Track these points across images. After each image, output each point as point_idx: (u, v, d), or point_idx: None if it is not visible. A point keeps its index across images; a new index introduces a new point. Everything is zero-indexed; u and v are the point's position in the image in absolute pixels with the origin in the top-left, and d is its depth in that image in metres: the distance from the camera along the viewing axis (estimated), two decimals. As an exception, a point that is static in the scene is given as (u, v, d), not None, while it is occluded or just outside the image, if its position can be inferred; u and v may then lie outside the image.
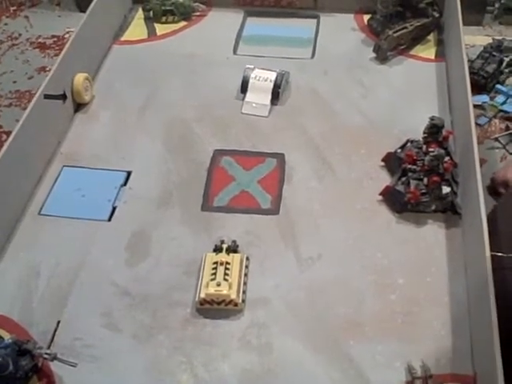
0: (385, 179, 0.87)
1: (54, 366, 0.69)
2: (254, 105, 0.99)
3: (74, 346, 0.71)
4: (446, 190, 0.80)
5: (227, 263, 0.75)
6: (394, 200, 0.84)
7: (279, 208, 0.85)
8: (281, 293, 0.75)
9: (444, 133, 0.82)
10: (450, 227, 0.81)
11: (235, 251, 0.78)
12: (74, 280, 0.78)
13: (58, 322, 0.74)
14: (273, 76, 1.00)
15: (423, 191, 0.81)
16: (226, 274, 0.74)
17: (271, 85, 0.99)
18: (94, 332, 0.73)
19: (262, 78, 1.00)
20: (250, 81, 1.00)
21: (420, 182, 0.81)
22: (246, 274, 0.76)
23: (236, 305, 0.73)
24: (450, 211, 0.82)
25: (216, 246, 0.79)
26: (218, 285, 0.73)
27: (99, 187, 0.90)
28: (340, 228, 0.82)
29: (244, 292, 0.74)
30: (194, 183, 0.89)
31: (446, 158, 0.81)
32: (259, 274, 0.77)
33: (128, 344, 0.71)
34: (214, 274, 0.74)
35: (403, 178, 0.83)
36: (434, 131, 0.82)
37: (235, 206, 0.85)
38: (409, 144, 0.85)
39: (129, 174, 0.92)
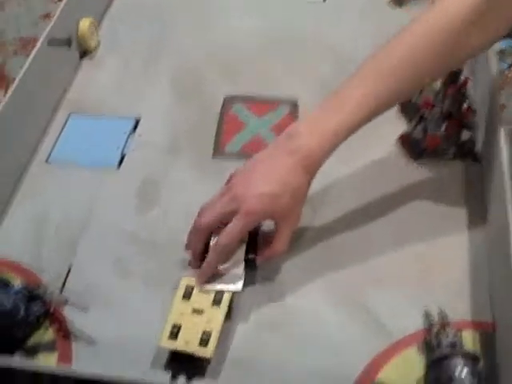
0: (401, 125, 0.84)
1: (66, 311, 0.68)
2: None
3: (84, 291, 0.70)
4: (465, 135, 0.78)
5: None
6: (410, 147, 0.81)
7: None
8: (296, 243, 0.73)
9: (463, 77, 0.80)
10: (469, 174, 0.79)
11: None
12: (83, 227, 0.77)
13: (69, 268, 0.73)
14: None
15: (441, 137, 0.79)
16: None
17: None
18: (104, 278, 0.72)
19: None
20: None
21: (438, 127, 0.79)
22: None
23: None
24: (469, 158, 0.80)
25: None
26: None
27: (107, 134, 0.88)
28: (354, 176, 0.80)
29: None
30: (204, 130, 0.87)
31: (465, 103, 0.79)
32: (272, 225, 0.75)
33: (138, 289, 0.71)
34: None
35: (420, 124, 0.80)
36: (453, 75, 0.79)
37: (247, 152, 0.83)
38: (426, 89, 0.83)
39: (137, 120, 0.90)
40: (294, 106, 0.89)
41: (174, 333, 0.63)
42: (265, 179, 0.66)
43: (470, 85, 0.82)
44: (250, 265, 0.69)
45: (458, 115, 0.78)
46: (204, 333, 0.62)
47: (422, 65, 0.66)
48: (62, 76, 0.95)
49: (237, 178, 0.68)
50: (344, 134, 0.66)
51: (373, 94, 0.66)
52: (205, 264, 0.67)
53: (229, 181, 0.70)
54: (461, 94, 0.79)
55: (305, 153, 0.66)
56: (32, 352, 0.65)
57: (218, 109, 0.90)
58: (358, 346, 0.64)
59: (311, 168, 0.67)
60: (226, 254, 0.67)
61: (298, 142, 0.66)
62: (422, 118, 0.81)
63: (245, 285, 0.67)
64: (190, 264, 0.70)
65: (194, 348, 0.62)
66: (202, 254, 0.68)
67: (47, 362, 0.64)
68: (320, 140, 0.66)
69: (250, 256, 0.69)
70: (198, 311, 0.63)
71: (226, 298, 0.65)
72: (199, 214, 0.69)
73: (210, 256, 0.66)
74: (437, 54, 0.66)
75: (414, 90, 0.73)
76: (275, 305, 0.69)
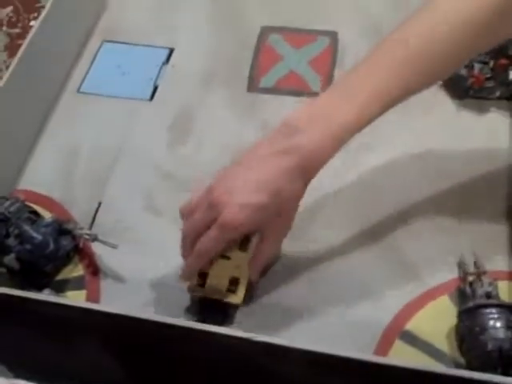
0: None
1: (95, 247, 0.68)
2: None
3: (114, 227, 0.70)
4: (513, 74, 0.74)
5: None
6: (455, 85, 0.77)
7: (330, 90, 0.80)
8: (327, 184, 0.71)
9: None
10: (516, 115, 0.75)
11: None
12: (114, 161, 0.76)
13: (99, 204, 0.72)
14: None
15: (488, 75, 0.74)
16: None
17: None
18: (134, 214, 0.71)
19: None
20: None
21: (485, 65, 0.75)
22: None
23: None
24: (516, 98, 0.76)
25: None
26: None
27: (141, 65, 0.86)
28: (395, 116, 0.76)
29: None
30: (239, 62, 0.84)
31: (516, 39, 0.74)
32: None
33: (168, 227, 0.69)
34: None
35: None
36: (505, 9, 0.74)
37: (283, 87, 0.80)
38: (475, 24, 0.78)
39: (171, 51, 0.87)
40: (334, 40, 0.85)
41: (202, 278, 0.62)
42: (251, 185, 0.56)
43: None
44: None
45: (507, 53, 0.74)
46: (233, 278, 0.61)
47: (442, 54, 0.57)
48: (94, 1, 0.93)
49: (220, 180, 0.58)
50: (351, 131, 0.57)
51: (385, 87, 0.57)
52: (185, 266, 0.62)
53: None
54: None
55: (303, 153, 0.56)
56: (60, 288, 0.65)
57: (255, 40, 0.86)
58: (389, 293, 0.63)
59: (309, 172, 0.57)
60: (206, 260, 0.60)
61: (296, 140, 0.56)
62: (468, 54, 0.77)
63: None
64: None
65: (222, 295, 0.61)
66: None
67: (76, 299, 0.65)
68: (322, 137, 0.56)
69: None
70: (225, 257, 0.61)
71: (253, 242, 0.63)
72: (182, 218, 0.62)
73: (190, 259, 0.61)
74: (458, 44, 0.57)
75: (430, 83, 0.62)
76: (304, 250, 0.67)
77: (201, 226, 0.58)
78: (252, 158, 0.58)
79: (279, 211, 0.58)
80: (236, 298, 0.61)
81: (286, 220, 0.60)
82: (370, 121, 0.57)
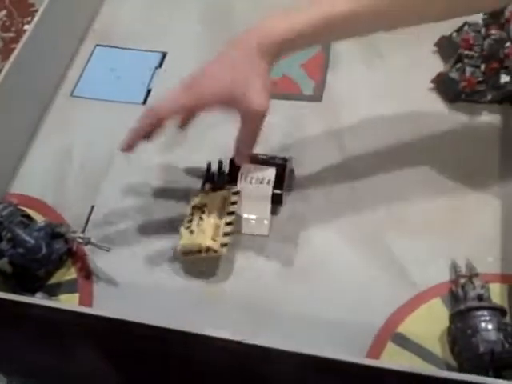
0: (438, 66, 0.80)
1: (88, 251, 0.68)
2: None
3: (107, 231, 0.70)
4: (504, 78, 0.74)
5: (204, 205, 0.68)
6: (446, 88, 0.78)
7: (322, 95, 0.80)
8: (319, 187, 0.72)
9: (507, 14, 0.75)
10: (506, 119, 0.75)
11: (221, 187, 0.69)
12: (107, 164, 0.76)
13: (92, 207, 0.72)
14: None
15: (479, 79, 0.75)
16: (200, 218, 0.66)
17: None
18: (127, 218, 0.71)
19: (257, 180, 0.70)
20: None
21: (477, 69, 0.75)
22: (232, 212, 0.67)
23: (215, 251, 0.64)
24: (507, 102, 0.76)
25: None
26: (192, 233, 0.65)
27: (133, 69, 0.86)
28: (387, 118, 0.77)
29: (228, 234, 0.65)
30: (232, 66, 0.85)
31: (508, 43, 0.74)
32: (299, 165, 0.73)
33: (162, 230, 0.70)
34: (190, 221, 0.67)
35: (458, 65, 0.76)
36: (495, 12, 0.75)
37: (275, 91, 0.80)
38: (466, 27, 0.78)
39: (164, 55, 0.87)
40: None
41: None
42: (220, 68, 0.62)
43: (514, 22, 0.77)
44: (276, 200, 0.68)
45: (498, 56, 0.74)
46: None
47: None
48: (88, 5, 0.93)
49: (194, 71, 0.64)
50: (316, 25, 0.59)
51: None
52: (132, 129, 0.65)
53: None
54: (503, 33, 0.74)
55: (263, 31, 0.60)
56: (53, 292, 0.65)
57: (247, 43, 0.87)
58: (381, 296, 0.63)
59: (269, 50, 0.60)
60: (155, 120, 0.64)
61: (258, 23, 0.61)
62: (460, 58, 0.77)
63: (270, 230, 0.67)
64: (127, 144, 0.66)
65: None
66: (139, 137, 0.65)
67: (68, 302, 0.65)
68: (285, 20, 0.60)
69: (277, 191, 0.68)
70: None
71: None
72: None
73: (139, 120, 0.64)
74: None
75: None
76: (299, 254, 0.67)
77: (180, 106, 0.64)
78: (223, 49, 0.64)
79: (246, 86, 0.60)
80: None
81: (253, 93, 0.61)
82: (335, 24, 0.60)
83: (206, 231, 0.65)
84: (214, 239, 0.64)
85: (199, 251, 0.65)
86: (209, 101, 0.62)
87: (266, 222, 0.68)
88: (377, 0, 0.59)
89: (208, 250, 0.64)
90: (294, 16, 0.60)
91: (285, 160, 0.71)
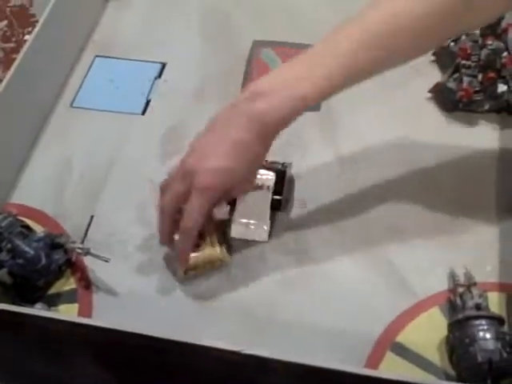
0: (435, 75, 0.81)
1: (88, 261, 0.68)
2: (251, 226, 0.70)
3: (107, 241, 0.70)
4: (502, 87, 0.74)
5: None
6: (444, 98, 0.78)
7: (320, 104, 0.80)
8: (320, 197, 0.72)
9: (503, 25, 0.76)
10: (504, 129, 0.76)
11: None
12: (107, 175, 0.76)
13: (92, 217, 0.73)
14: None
15: (477, 89, 0.75)
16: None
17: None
18: (127, 228, 0.71)
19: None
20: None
21: (474, 78, 0.75)
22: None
23: (222, 261, 0.66)
24: (505, 112, 0.76)
25: None
26: (198, 246, 0.65)
27: (133, 79, 0.87)
28: (385, 127, 0.78)
29: (225, 242, 0.68)
30: (231, 76, 0.85)
31: (505, 53, 0.75)
32: (298, 174, 0.73)
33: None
34: None
35: (456, 75, 0.77)
36: (493, 22, 0.75)
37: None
38: (463, 37, 0.78)
39: (164, 65, 0.88)
40: (325, 53, 0.86)
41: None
42: (218, 152, 0.60)
43: (511, 32, 0.78)
44: (276, 206, 0.69)
45: (495, 66, 0.75)
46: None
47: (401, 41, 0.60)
48: (88, 16, 0.93)
49: (191, 150, 0.63)
50: (311, 101, 0.59)
51: (350, 59, 0.59)
52: (180, 252, 0.64)
53: None
54: (500, 43, 0.75)
55: (262, 120, 0.59)
56: (53, 302, 0.65)
57: (247, 54, 0.87)
58: (380, 305, 0.63)
59: (268, 136, 0.60)
60: (195, 234, 0.63)
61: (256, 105, 0.59)
62: (457, 68, 0.77)
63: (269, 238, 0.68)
64: (160, 242, 0.67)
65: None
66: (171, 233, 0.65)
67: (68, 312, 0.65)
68: (282, 105, 0.59)
69: (276, 197, 0.68)
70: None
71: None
72: (160, 194, 0.65)
73: (181, 241, 0.64)
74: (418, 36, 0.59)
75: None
76: (299, 262, 0.68)
77: (178, 196, 0.62)
78: (217, 127, 0.62)
79: (245, 174, 0.62)
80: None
81: (250, 181, 0.65)
82: (331, 93, 0.60)
83: (212, 243, 0.65)
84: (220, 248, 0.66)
85: (207, 263, 0.65)
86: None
87: (265, 227, 0.68)
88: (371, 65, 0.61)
89: (216, 260, 0.65)
90: (296, 89, 0.59)
91: (284, 166, 0.71)
